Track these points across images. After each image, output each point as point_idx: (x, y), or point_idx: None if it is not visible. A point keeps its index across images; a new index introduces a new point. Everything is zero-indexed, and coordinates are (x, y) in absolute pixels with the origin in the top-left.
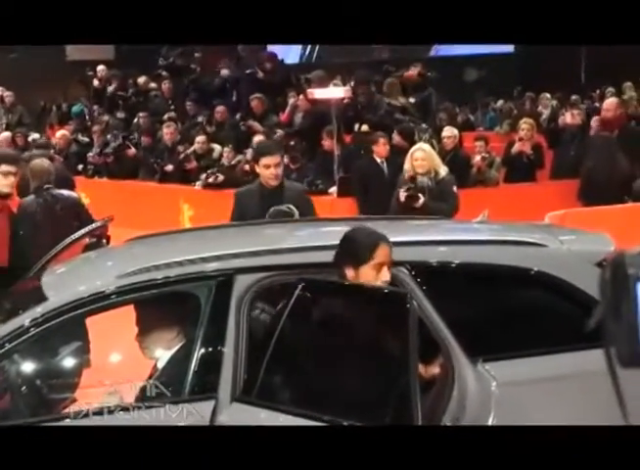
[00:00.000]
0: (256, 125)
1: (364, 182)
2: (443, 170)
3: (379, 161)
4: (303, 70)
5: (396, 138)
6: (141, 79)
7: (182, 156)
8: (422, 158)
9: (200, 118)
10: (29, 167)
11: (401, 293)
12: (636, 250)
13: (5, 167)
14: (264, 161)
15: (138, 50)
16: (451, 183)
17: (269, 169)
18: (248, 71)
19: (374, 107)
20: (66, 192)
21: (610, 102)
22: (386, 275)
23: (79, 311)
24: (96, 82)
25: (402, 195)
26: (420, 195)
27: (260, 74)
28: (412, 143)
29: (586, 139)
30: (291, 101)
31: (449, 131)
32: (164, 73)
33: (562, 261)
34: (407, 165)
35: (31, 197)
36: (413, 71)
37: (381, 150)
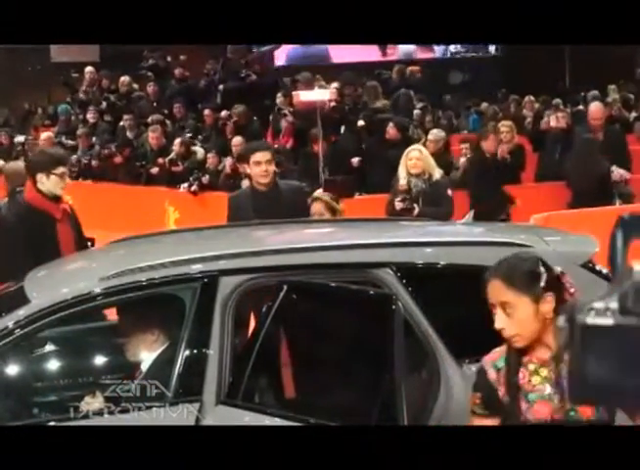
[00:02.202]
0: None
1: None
2: (438, 173)
3: (487, 156)
4: (291, 73)
5: (391, 131)
6: (124, 80)
7: (168, 159)
8: (417, 158)
9: (189, 121)
10: (4, 170)
11: (386, 294)
12: (596, 299)
13: (61, 169)
14: (254, 157)
15: (123, 52)
16: (445, 186)
17: (260, 166)
18: (242, 75)
19: (360, 109)
20: None
21: (595, 109)
22: None
23: (63, 314)
24: (84, 87)
25: (398, 205)
26: (415, 205)
27: (253, 77)
28: (406, 137)
29: (573, 142)
30: (283, 124)
31: (435, 135)
32: (150, 74)
33: (552, 263)
34: (401, 165)
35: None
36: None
37: (490, 145)
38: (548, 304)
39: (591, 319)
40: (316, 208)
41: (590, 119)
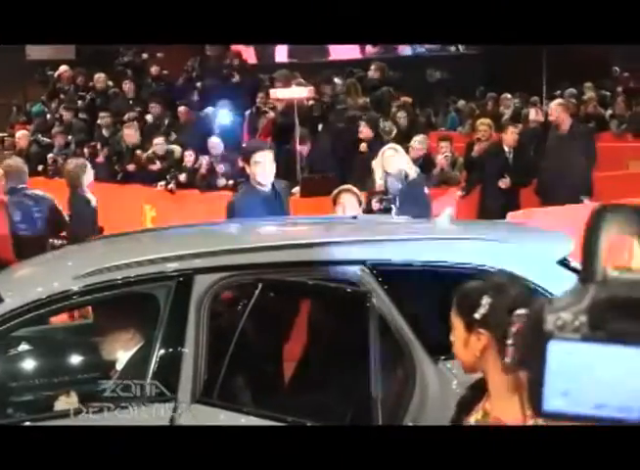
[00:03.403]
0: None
1: (489, 170)
2: (414, 171)
3: (507, 149)
4: (268, 71)
5: (364, 130)
6: (99, 77)
7: (144, 157)
8: (392, 156)
9: (167, 120)
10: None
11: (361, 292)
12: (560, 301)
13: None
14: (255, 157)
15: (100, 49)
16: (422, 185)
17: (260, 166)
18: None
19: (338, 106)
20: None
21: (551, 108)
22: None
23: (37, 313)
24: (59, 85)
25: (375, 205)
26: (392, 206)
27: (237, 78)
28: (377, 133)
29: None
30: (263, 121)
31: (417, 142)
32: (129, 72)
33: (522, 260)
34: (377, 165)
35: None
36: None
37: (509, 138)
38: (478, 340)
39: (558, 332)
40: (348, 199)
41: (550, 118)
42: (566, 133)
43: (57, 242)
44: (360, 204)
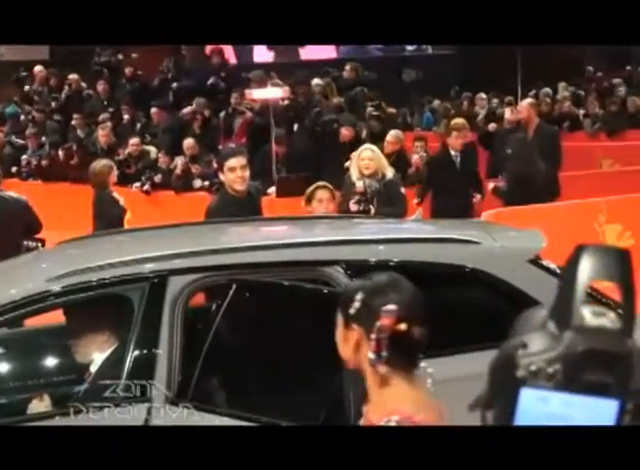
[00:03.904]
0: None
1: (436, 175)
2: (390, 172)
3: (453, 153)
4: (243, 71)
5: (346, 132)
6: (72, 78)
7: (120, 159)
8: (369, 158)
9: (142, 121)
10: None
11: (337, 292)
12: (534, 345)
13: None
14: (229, 163)
15: (74, 50)
16: (398, 185)
17: (235, 172)
18: (211, 82)
19: (313, 107)
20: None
21: (520, 105)
22: None
23: (11, 315)
24: (33, 86)
25: (353, 207)
26: (370, 207)
27: (219, 83)
28: (355, 133)
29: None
30: (239, 121)
31: (393, 137)
32: (104, 71)
33: (495, 259)
34: (353, 166)
35: None
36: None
37: (454, 143)
38: (352, 336)
39: (531, 379)
40: (323, 195)
41: (517, 112)
42: (532, 135)
43: (31, 244)
44: (335, 200)
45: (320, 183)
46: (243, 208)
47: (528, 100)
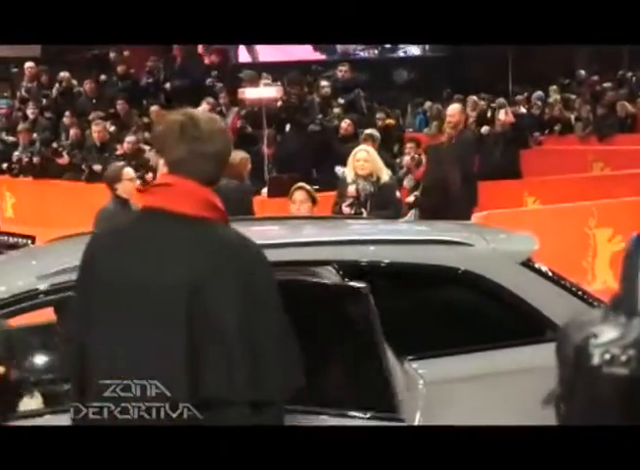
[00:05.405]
0: None
1: None
2: (386, 174)
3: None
4: (235, 71)
5: (347, 127)
6: (63, 76)
7: (115, 156)
8: (364, 159)
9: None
10: None
11: (358, 287)
12: (606, 335)
13: None
14: None
15: (65, 47)
16: (393, 188)
17: None
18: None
19: (306, 107)
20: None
21: (453, 107)
22: None
23: (0, 313)
24: (23, 82)
25: (345, 210)
26: (363, 210)
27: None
28: (356, 133)
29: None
30: (234, 109)
31: (371, 134)
32: (93, 68)
33: (487, 261)
34: (348, 167)
35: None
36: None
37: None
38: None
39: (606, 367)
40: (299, 195)
41: (447, 116)
42: (454, 141)
43: (21, 241)
44: (313, 201)
45: (299, 184)
46: None
47: (458, 104)
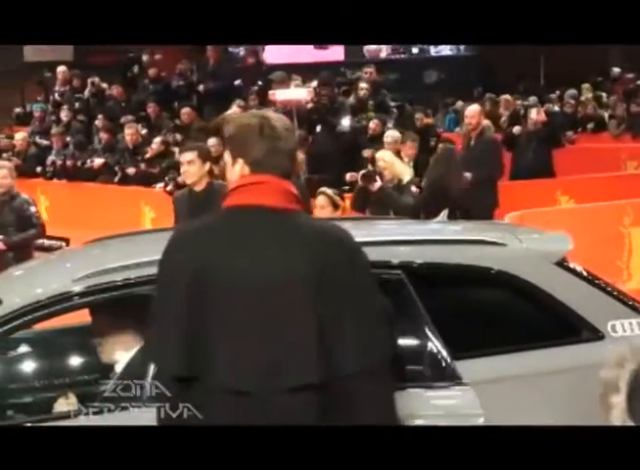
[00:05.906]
0: None
1: None
2: (408, 175)
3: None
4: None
5: (375, 127)
6: (93, 80)
7: (145, 158)
8: (383, 167)
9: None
10: None
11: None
12: None
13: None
14: (180, 158)
15: (96, 51)
16: (410, 185)
17: (182, 167)
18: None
19: (336, 109)
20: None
21: (471, 109)
22: None
23: (36, 315)
24: (56, 87)
25: (360, 175)
26: (377, 177)
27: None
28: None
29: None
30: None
31: (390, 136)
32: (134, 69)
33: (521, 261)
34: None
35: None
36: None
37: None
38: None
39: None
40: (320, 200)
41: (466, 117)
42: (474, 142)
43: (55, 243)
44: (335, 206)
45: (321, 189)
46: (199, 200)
47: (476, 105)
